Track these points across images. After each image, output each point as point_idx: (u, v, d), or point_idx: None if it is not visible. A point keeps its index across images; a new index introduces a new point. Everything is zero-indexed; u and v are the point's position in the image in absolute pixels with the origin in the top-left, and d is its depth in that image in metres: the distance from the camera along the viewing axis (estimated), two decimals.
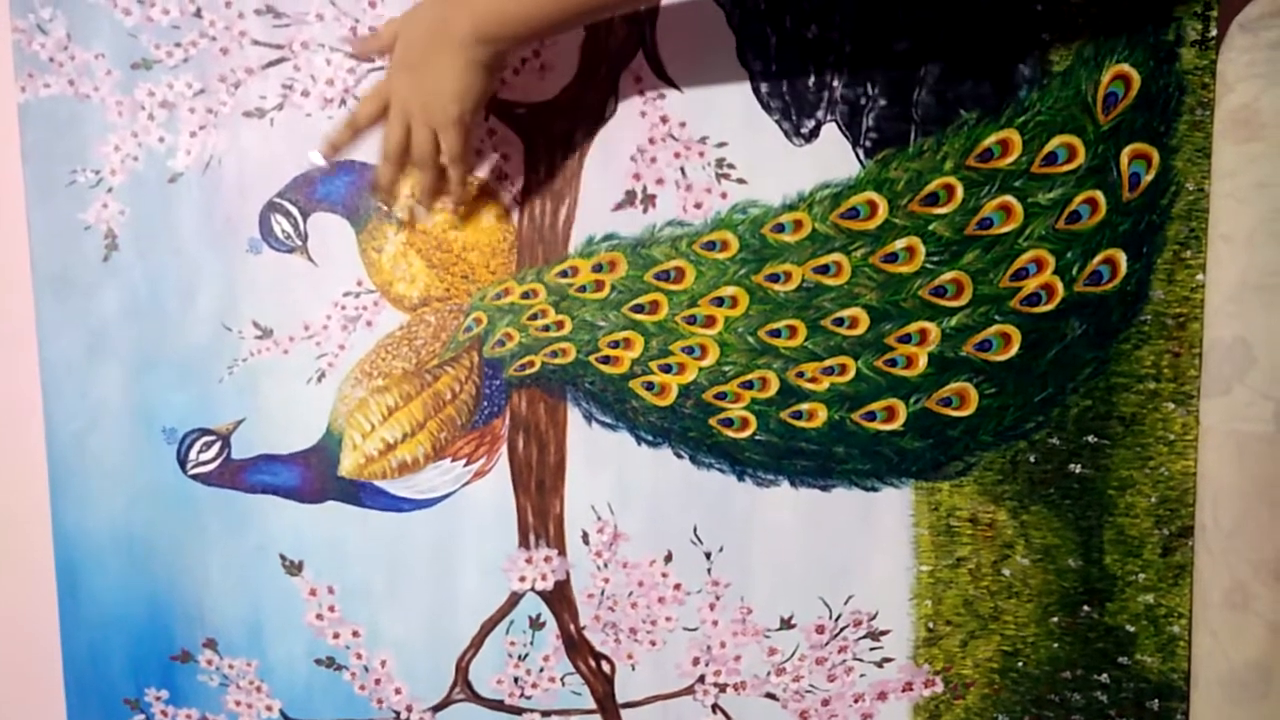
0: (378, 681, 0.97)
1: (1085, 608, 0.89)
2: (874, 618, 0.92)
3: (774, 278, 0.88)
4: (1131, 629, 0.88)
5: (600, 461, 0.92)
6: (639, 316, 0.90)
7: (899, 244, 0.86)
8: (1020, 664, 0.91)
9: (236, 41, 0.90)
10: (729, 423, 0.90)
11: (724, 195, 0.88)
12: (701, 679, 0.94)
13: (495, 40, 0.76)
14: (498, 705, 0.96)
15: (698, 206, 0.89)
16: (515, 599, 0.95)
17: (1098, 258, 0.85)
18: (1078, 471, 0.88)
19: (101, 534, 0.97)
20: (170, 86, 0.91)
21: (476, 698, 0.96)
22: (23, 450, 0.97)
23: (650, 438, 0.92)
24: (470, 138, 0.82)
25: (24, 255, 0.94)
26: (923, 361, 0.88)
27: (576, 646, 0.95)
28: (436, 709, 0.97)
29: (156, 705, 0.99)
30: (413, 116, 0.80)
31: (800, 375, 0.89)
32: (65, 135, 0.92)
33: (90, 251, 0.93)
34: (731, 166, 0.88)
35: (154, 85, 0.91)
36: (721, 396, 0.90)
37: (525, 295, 0.91)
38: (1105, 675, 0.89)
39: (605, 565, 0.93)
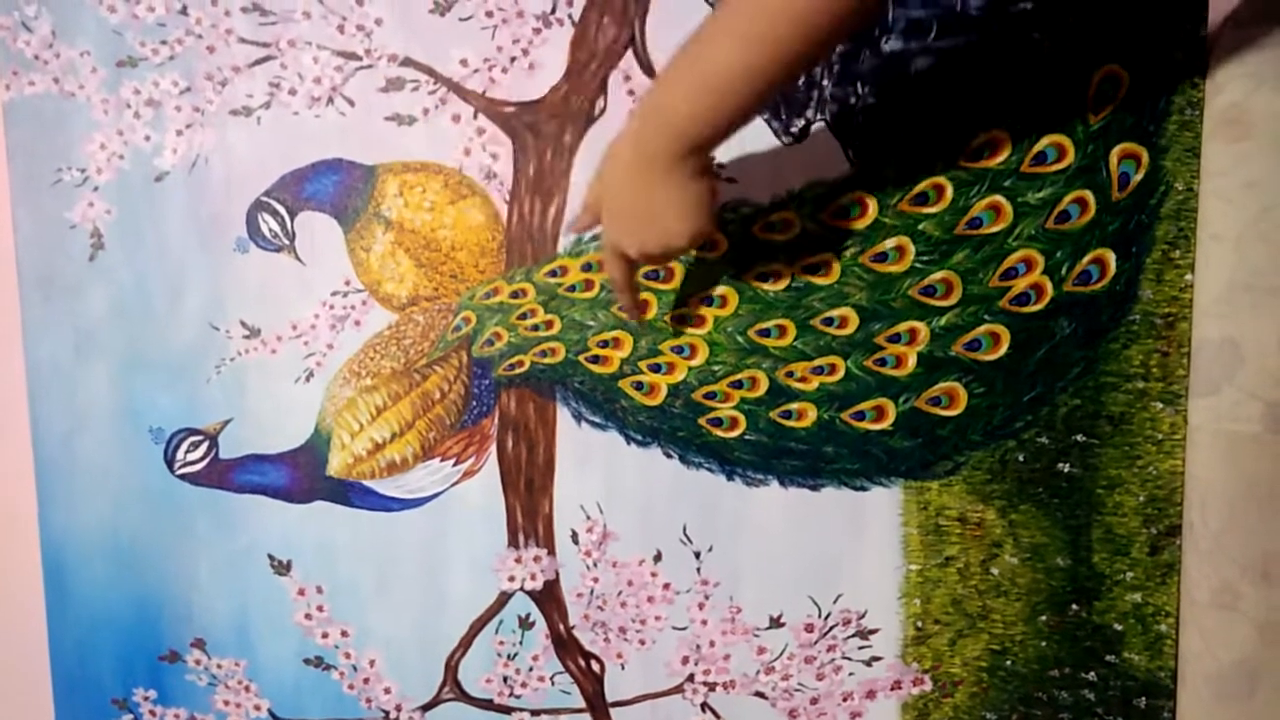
0: (366, 681, 0.97)
1: (1073, 606, 0.89)
2: (863, 616, 0.92)
3: (763, 277, 0.88)
4: (1119, 628, 0.88)
5: (589, 461, 0.92)
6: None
7: (889, 243, 0.86)
8: (1008, 662, 0.91)
9: (223, 39, 0.90)
10: (718, 422, 0.90)
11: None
12: (691, 678, 0.94)
13: (699, 144, 0.70)
14: (487, 704, 0.96)
15: None
16: (504, 598, 0.95)
17: (1087, 257, 0.85)
18: (1066, 471, 0.88)
19: (89, 534, 0.96)
20: (156, 84, 0.91)
21: (466, 697, 0.96)
22: (10, 450, 0.97)
23: (640, 437, 0.91)
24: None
25: (9, 255, 0.93)
26: (912, 361, 0.88)
27: (566, 646, 0.95)
28: (426, 708, 0.97)
29: (145, 705, 0.99)
30: (643, 251, 0.76)
31: (790, 375, 0.89)
32: (50, 134, 0.92)
33: (76, 251, 0.93)
34: (721, 166, 0.87)
35: (140, 83, 0.91)
36: (711, 396, 0.90)
37: (514, 294, 0.91)
38: (1093, 674, 0.90)
39: (594, 565, 0.93)
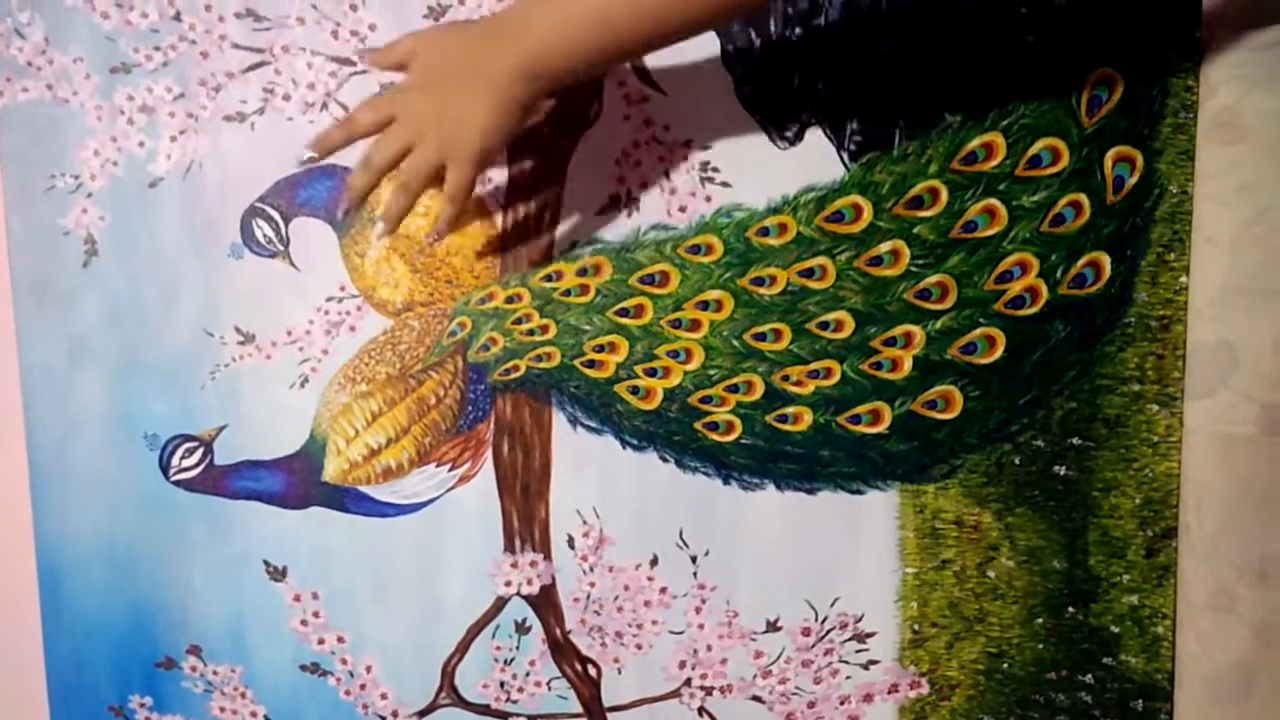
0: (363, 687, 0.97)
1: (1070, 609, 0.89)
2: (860, 620, 0.92)
3: (759, 281, 0.88)
4: (1116, 630, 0.89)
5: (585, 465, 0.92)
6: (624, 320, 0.90)
7: (884, 247, 0.86)
8: (1005, 665, 0.91)
9: (217, 45, 0.90)
10: (714, 426, 0.90)
11: (708, 199, 0.88)
12: (688, 682, 0.94)
13: (543, 78, 0.72)
14: (484, 710, 0.96)
15: (682, 210, 0.88)
16: (501, 603, 0.95)
17: (1082, 260, 0.85)
18: (1062, 473, 0.88)
19: (84, 541, 0.96)
20: (150, 90, 0.91)
21: (462, 702, 0.96)
22: (4, 457, 0.97)
23: (635, 442, 0.91)
24: (479, 175, 0.78)
25: (3, 262, 0.93)
26: (908, 364, 0.88)
27: (562, 650, 0.95)
28: (422, 714, 0.97)
29: (141, 712, 0.98)
30: (422, 140, 0.76)
31: (785, 379, 0.89)
32: (44, 140, 0.91)
33: (70, 257, 0.93)
34: (716, 170, 0.87)
35: (133, 89, 0.91)
36: (707, 400, 0.90)
37: (509, 299, 0.91)
38: (1090, 676, 0.90)
39: (591, 569, 0.93)
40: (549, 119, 0.88)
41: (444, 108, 0.74)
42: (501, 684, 0.96)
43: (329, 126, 0.80)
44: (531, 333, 0.91)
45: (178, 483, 0.95)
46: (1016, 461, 0.88)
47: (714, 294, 0.88)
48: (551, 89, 0.74)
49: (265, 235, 0.91)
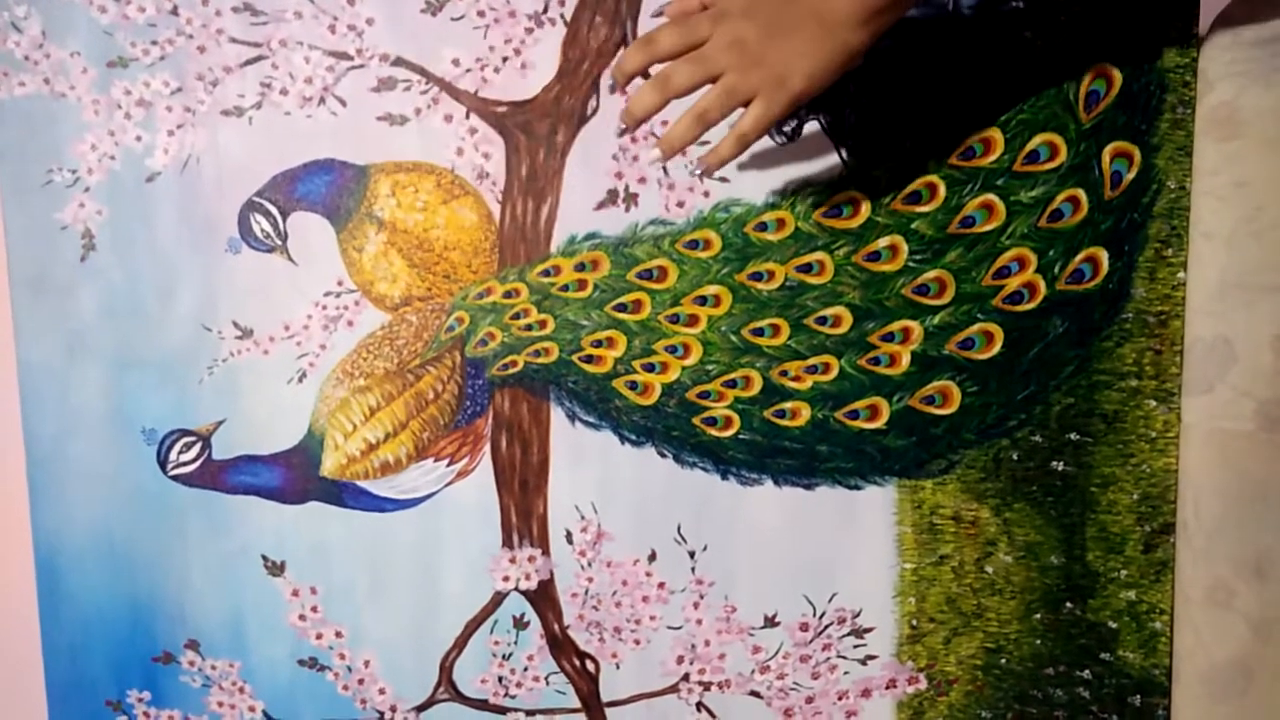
0: (361, 682, 0.97)
1: (1068, 604, 0.89)
2: (858, 615, 0.92)
3: (757, 276, 0.88)
4: (1114, 625, 0.89)
5: (584, 461, 0.92)
6: (622, 315, 0.90)
7: (882, 242, 0.86)
8: (1003, 660, 0.91)
9: (214, 39, 0.90)
10: (712, 421, 0.90)
11: (706, 194, 0.88)
12: (686, 677, 0.94)
13: (880, 22, 0.67)
14: (482, 705, 0.96)
15: (680, 205, 0.88)
16: (499, 598, 0.95)
17: (1080, 256, 0.85)
18: (1060, 469, 0.88)
19: (82, 535, 0.96)
20: (147, 85, 0.90)
21: (461, 697, 0.96)
22: (1, 453, 0.97)
23: (634, 437, 0.91)
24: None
25: (0, 256, 0.93)
26: (906, 360, 0.88)
27: (561, 646, 0.95)
28: (420, 709, 0.97)
29: (139, 707, 0.98)
30: (739, 71, 0.68)
31: (783, 374, 0.89)
32: (41, 134, 0.91)
33: (67, 252, 0.92)
34: None
35: (131, 84, 0.91)
36: (705, 395, 0.90)
37: (507, 294, 0.91)
38: (1087, 671, 0.90)
39: (589, 564, 0.93)
40: (548, 117, 0.88)
41: (771, 41, 0.68)
42: (500, 679, 0.96)
43: (625, 50, 0.73)
44: (529, 328, 0.91)
45: (176, 477, 0.95)
46: (1014, 457, 0.88)
47: (712, 289, 0.88)
48: (881, 35, 0.68)
49: (263, 230, 0.91)
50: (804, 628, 0.92)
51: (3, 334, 0.94)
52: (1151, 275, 0.84)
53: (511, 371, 0.92)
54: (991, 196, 0.85)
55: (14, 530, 0.97)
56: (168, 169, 0.91)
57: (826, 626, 0.92)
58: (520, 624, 0.95)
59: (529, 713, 0.96)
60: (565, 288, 0.90)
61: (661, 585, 0.93)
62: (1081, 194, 0.84)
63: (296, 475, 0.94)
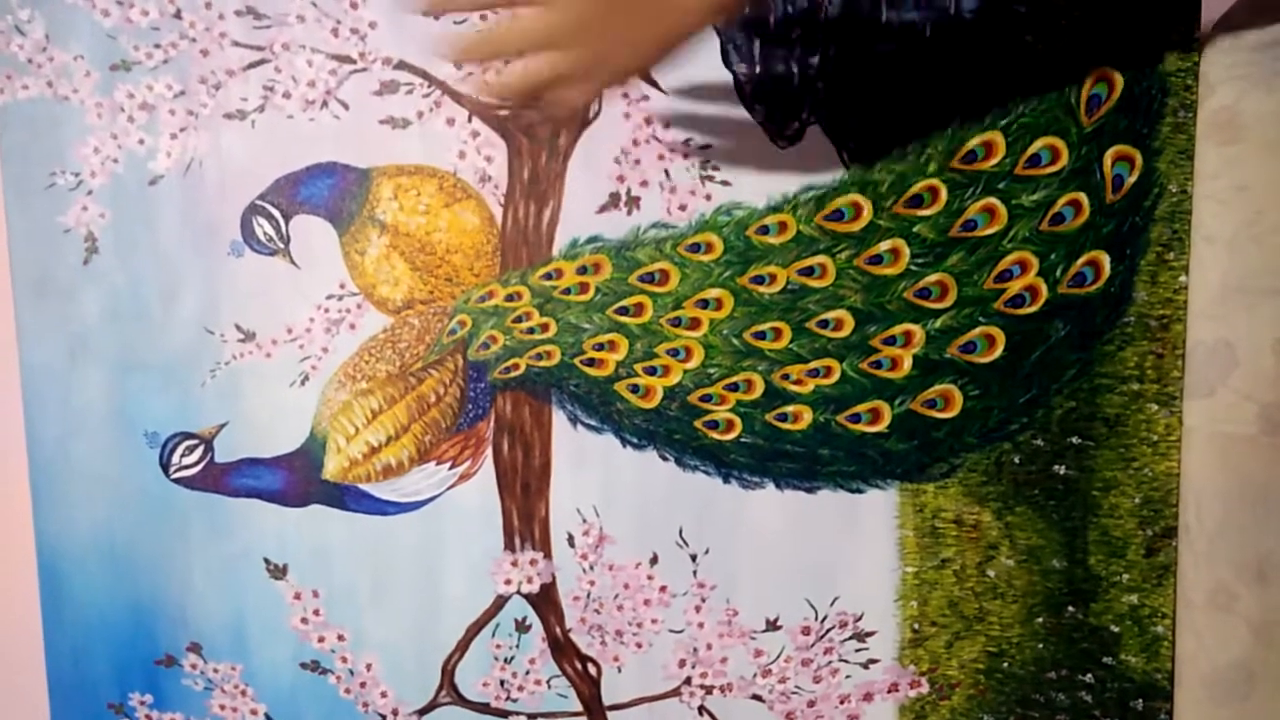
0: (363, 685, 0.97)
1: (1070, 608, 0.89)
2: (859, 619, 0.92)
3: (759, 280, 0.88)
4: (1116, 629, 0.89)
5: (585, 464, 0.92)
6: (624, 319, 0.90)
7: (883, 246, 0.86)
8: (1005, 664, 0.91)
9: (217, 43, 0.90)
10: (714, 425, 0.90)
11: (708, 197, 0.88)
12: (688, 681, 0.94)
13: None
14: (484, 708, 0.96)
15: (682, 209, 0.88)
16: (501, 602, 0.95)
17: (1081, 259, 0.85)
18: (1062, 473, 0.88)
19: (84, 539, 0.96)
20: (150, 88, 0.91)
21: (462, 701, 0.96)
22: (4, 455, 0.97)
23: (635, 440, 0.91)
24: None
25: (3, 259, 0.93)
26: (907, 363, 0.88)
27: (562, 649, 0.95)
28: (422, 712, 0.97)
29: (141, 710, 0.98)
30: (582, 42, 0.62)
31: (785, 377, 0.89)
32: (44, 137, 0.91)
33: (70, 255, 0.93)
34: (715, 168, 0.87)
35: (134, 87, 0.91)
36: (706, 399, 0.90)
37: (509, 298, 0.91)
38: (1090, 675, 0.90)
39: (591, 568, 0.93)
40: (550, 120, 0.88)
41: (629, 15, 0.63)
42: (501, 682, 0.96)
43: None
44: (531, 331, 0.91)
45: (178, 480, 0.95)
46: (1016, 460, 0.88)
47: (714, 292, 0.88)
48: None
49: (265, 233, 0.91)
50: (806, 631, 0.92)
51: (5, 336, 0.94)
52: (1153, 279, 0.84)
53: (513, 375, 0.92)
54: (993, 200, 0.85)
55: (16, 533, 0.97)
56: (170, 172, 0.92)
57: (828, 630, 0.92)
58: (522, 627, 0.95)
59: (530, 716, 0.96)
60: (567, 291, 0.90)
61: (663, 589, 0.93)
62: (1083, 198, 0.84)
63: (298, 478, 0.94)
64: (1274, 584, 0.81)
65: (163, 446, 0.94)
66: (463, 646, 0.95)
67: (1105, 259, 0.85)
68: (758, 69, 0.86)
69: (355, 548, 0.95)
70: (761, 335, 0.88)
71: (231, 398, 0.94)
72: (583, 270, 0.90)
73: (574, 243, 0.90)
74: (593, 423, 0.92)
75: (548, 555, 0.94)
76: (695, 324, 0.89)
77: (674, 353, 0.90)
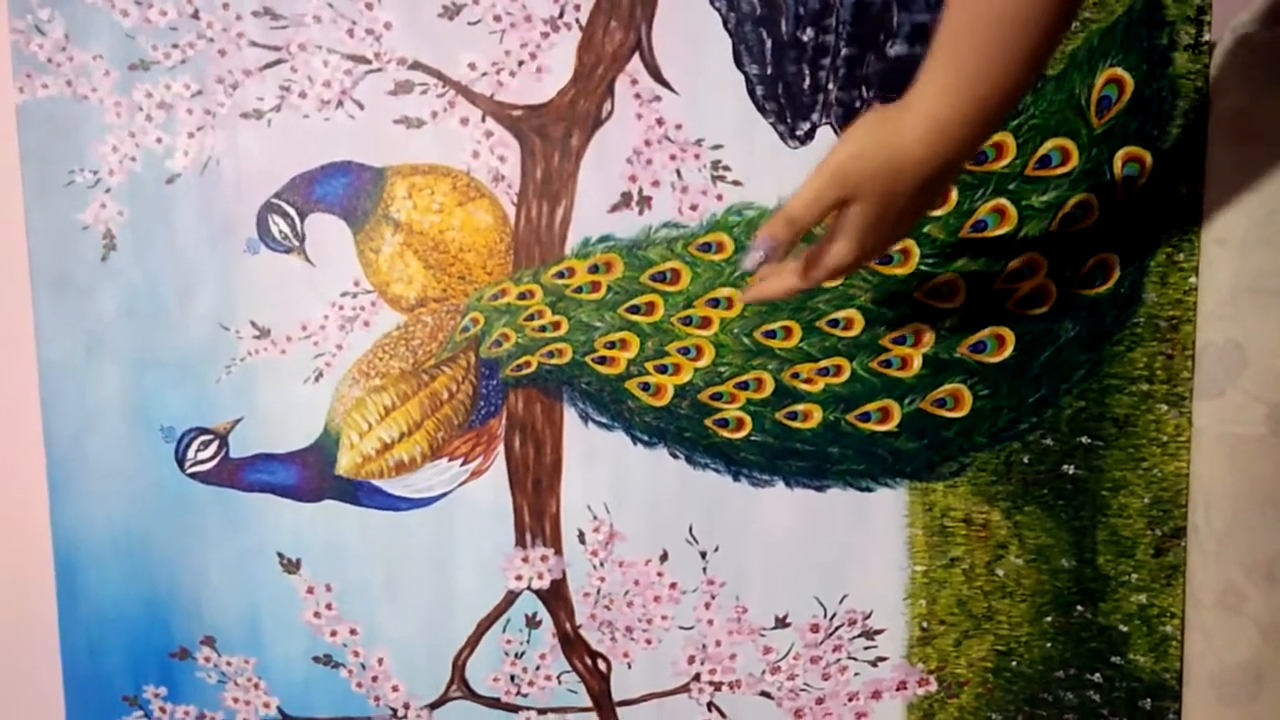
0: (375, 679, 0.97)
1: (1078, 608, 0.89)
2: (868, 617, 0.92)
3: None
4: (1124, 629, 0.89)
5: (596, 461, 0.93)
6: (635, 317, 0.90)
7: (894, 246, 0.86)
8: (1014, 663, 0.91)
9: (234, 43, 0.91)
10: (724, 423, 0.91)
11: (720, 197, 0.89)
12: (697, 677, 0.95)
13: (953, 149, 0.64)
14: (494, 703, 0.97)
15: (693, 208, 0.89)
16: (512, 597, 0.95)
17: (1091, 260, 0.85)
18: (1071, 472, 0.88)
19: (100, 532, 0.97)
20: (168, 88, 0.91)
21: (473, 695, 0.97)
22: (21, 450, 0.98)
23: (646, 438, 0.92)
24: None
25: (22, 256, 0.94)
26: (917, 363, 0.88)
27: (573, 645, 0.95)
28: (433, 706, 0.97)
29: (155, 702, 0.99)
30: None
31: (795, 376, 0.89)
32: (63, 136, 0.92)
33: (88, 252, 0.94)
34: (727, 169, 0.88)
35: (152, 86, 0.92)
36: (717, 397, 0.90)
37: (522, 296, 0.92)
38: (1098, 675, 0.90)
39: (601, 564, 0.94)
40: (563, 120, 0.89)
41: (909, 219, 0.68)
42: (512, 677, 0.96)
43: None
44: (544, 329, 0.92)
45: (193, 475, 0.96)
46: (1025, 460, 0.88)
47: (725, 291, 0.89)
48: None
49: (281, 231, 0.92)
50: (815, 629, 0.93)
51: (24, 333, 0.95)
52: (1163, 280, 0.85)
53: (525, 372, 0.92)
54: (1004, 201, 0.85)
55: (34, 527, 0.98)
56: (187, 170, 0.92)
57: (837, 628, 0.93)
58: (532, 623, 0.95)
59: (541, 711, 0.97)
60: (579, 289, 0.91)
61: (673, 585, 0.93)
62: (1093, 198, 0.84)
63: (312, 474, 0.95)
64: None
65: (178, 441, 0.95)
66: (474, 641, 0.96)
67: (1115, 260, 0.85)
68: (770, 69, 0.86)
69: (368, 543, 0.95)
70: (772, 334, 0.89)
71: (246, 394, 0.94)
72: (595, 269, 0.90)
73: (586, 242, 0.90)
74: (604, 420, 0.92)
75: (558, 551, 0.94)
76: (706, 323, 0.90)
77: (685, 351, 0.90)
